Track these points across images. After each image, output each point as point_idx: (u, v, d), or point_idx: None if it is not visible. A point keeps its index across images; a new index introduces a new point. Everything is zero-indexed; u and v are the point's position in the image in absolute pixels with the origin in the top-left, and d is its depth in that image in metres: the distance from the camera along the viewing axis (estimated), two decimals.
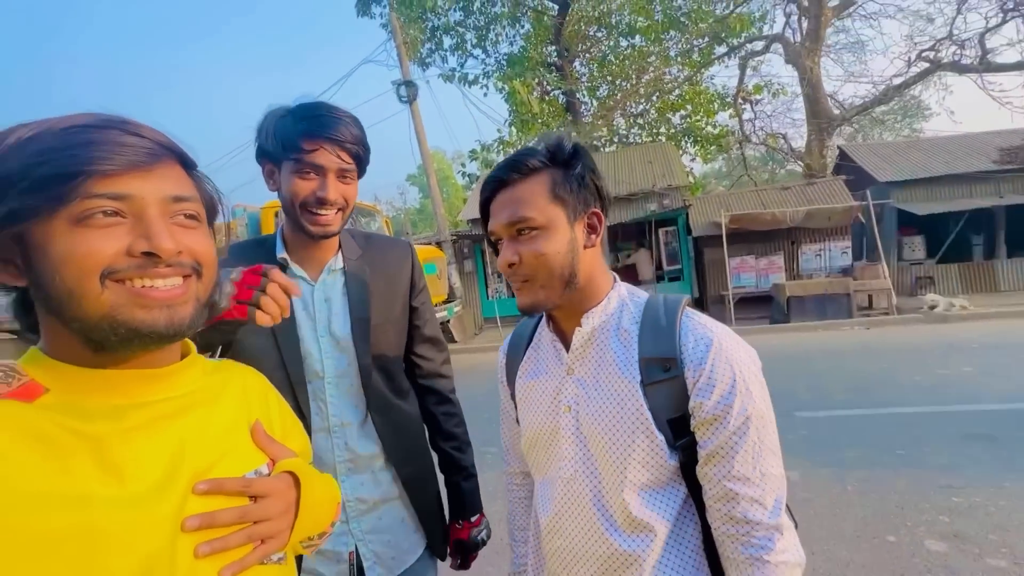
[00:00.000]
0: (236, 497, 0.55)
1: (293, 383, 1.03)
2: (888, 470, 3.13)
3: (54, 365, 0.50)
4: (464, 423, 1.28)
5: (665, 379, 0.73)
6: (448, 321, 8.70)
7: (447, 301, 8.55)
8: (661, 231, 11.38)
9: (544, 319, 0.91)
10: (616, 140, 18.42)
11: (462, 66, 18.22)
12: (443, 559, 1.22)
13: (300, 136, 0.96)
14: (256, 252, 1.07)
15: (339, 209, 1.02)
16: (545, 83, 17.74)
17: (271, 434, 0.65)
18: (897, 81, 14.18)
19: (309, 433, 1.02)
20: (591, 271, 0.81)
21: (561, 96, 18.29)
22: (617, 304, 0.83)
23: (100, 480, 0.46)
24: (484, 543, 1.24)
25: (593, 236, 0.81)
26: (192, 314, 0.53)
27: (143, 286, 0.49)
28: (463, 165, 18.57)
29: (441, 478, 1.24)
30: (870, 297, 9.17)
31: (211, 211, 0.59)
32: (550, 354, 0.87)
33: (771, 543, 0.70)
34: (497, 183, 0.79)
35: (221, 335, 0.87)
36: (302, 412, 1.02)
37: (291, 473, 0.62)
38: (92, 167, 0.46)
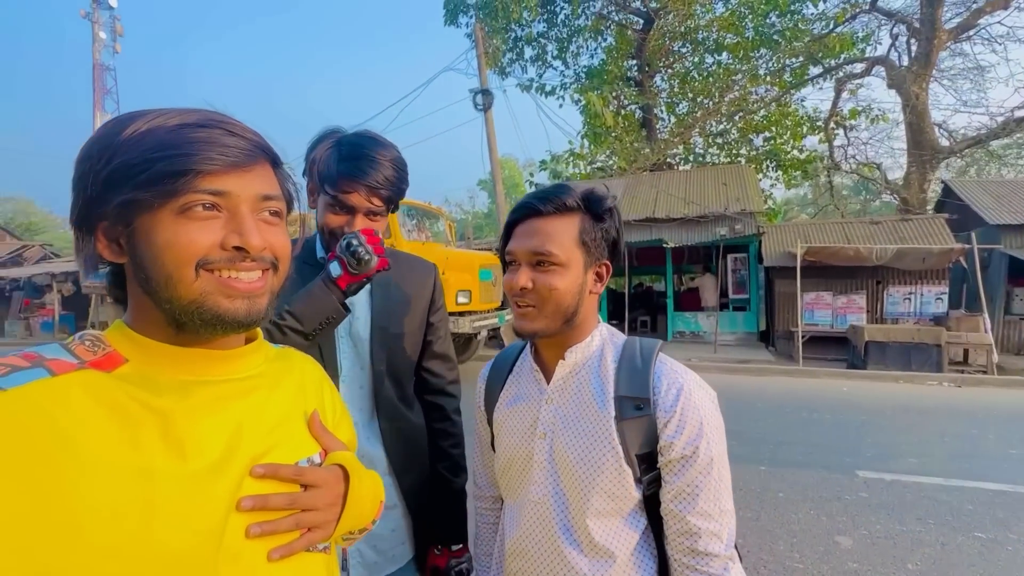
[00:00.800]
0: (288, 484, 0.58)
1: None
2: (961, 554, 2.76)
3: (135, 338, 0.54)
4: (462, 445, 1.28)
5: (637, 416, 0.80)
6: (499, 328, 8.75)
7: (500, 308, 8.60)
8: (730, 257, 10.82)
9: (528, 349, 0.96)
10: (691, 159, 17.81)
11: (540, 76, 18.41)
12: None
13: (339, 177, 1.05)
14: (305, 255, 1.18)
15: (381, 244, 1.09)
16: (622, 97, 17.52)
17: (326, 419, 0.68)
18: (1020, 113, 12.66)
19: None
20: (587, 313, 0.88)
21: (638, 111, 17.98)
22: (599, 343, 0.89)
23: (164, 454, 0.49)
24: None
25: (599, 284, 0.88)
26: (267, 305, 0.57)
27: (229, 277, 0.53)
28: (531, 175, 18.72)
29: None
30: (966, 351, 8.21)
31: (290, 206, 0.63)
32: (530, 383, 0.93)
33: (727, 572, 0.78)
34: (530, 210, 0.85)
35: (359, 286, 1.04)
36: None
37: (341, 467, 0.64)
38: (200, 166, 0.50)
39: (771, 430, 4.94)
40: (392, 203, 1.12)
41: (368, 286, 1.16)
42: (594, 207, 0.84)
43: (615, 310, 11.72)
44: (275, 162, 0.59)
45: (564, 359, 0.87)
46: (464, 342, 8.31)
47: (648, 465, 0.80)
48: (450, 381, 1.28)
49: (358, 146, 1.07)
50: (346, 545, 0.71)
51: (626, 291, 11.30)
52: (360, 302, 1.16)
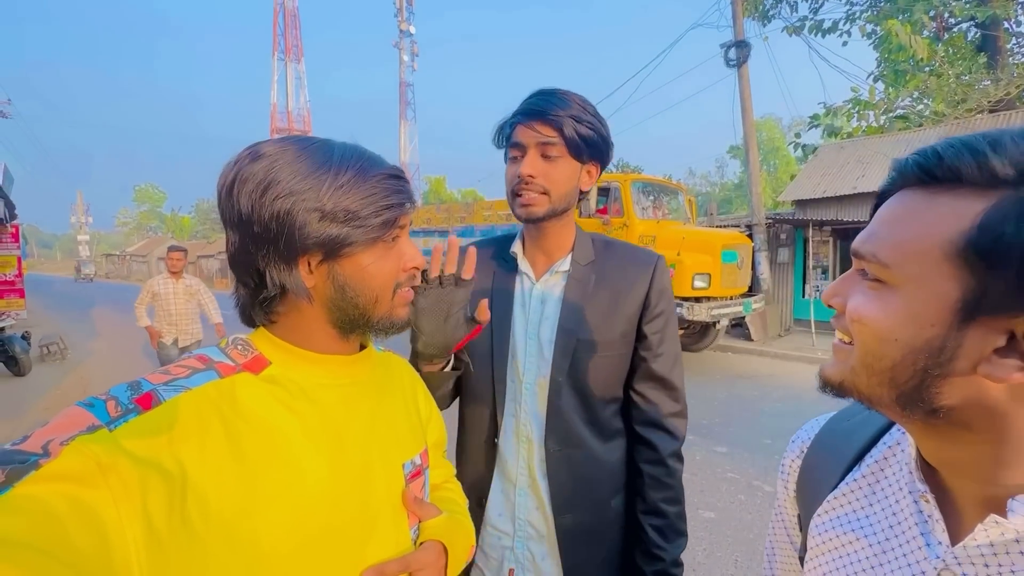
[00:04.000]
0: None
1: (495, 379, 1.00)
2: None
3: (280, 344, 0.61)
4: (681, 500, 0.99)
5: None
6: (744, 317, 7.67)
7: (747, 294, 7.51)
8: None
9: (908, 438, 0.49)
10: None
11: (815, 12, 15.10)
12: None
13: (509, 122, 0.96)
14: (493, 246, 1.10)
15: (542, 192, 0.93)
16: (946, 15, 12.98)
17: (418, 420, 0.75)
18: None
19: (497, 433, 1.00)
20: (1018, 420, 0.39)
21: (972, 30, 13.12)
22: None
23: (304, 448, 0.57)
24: None
25: (1012, 369, 0.37)
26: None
27: (406, 292, 0.65)
28: (797, 135, 15.68)
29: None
30: None
31: None
32: (904, 513, 0.48)
33: None
34: (922, 169, 0.40)
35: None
36: (496, 410, 1.00)
37: (441, 543, 0.68)
38: (401, 211, 0.62)
39: None
40: (573, 142, 0.91)
41: (563, 280, 0.99)
42: None
43: None
44: None
45: (1005, 517, 0.39)
46: (700, 331, 7.58)
47: None
48: (669, 414, 0.99)
49: (529, 94, 0.96)
50: None
51: None
52: (551, 298, 0.99)
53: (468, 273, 0.87)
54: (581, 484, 0.97)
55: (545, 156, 0.92)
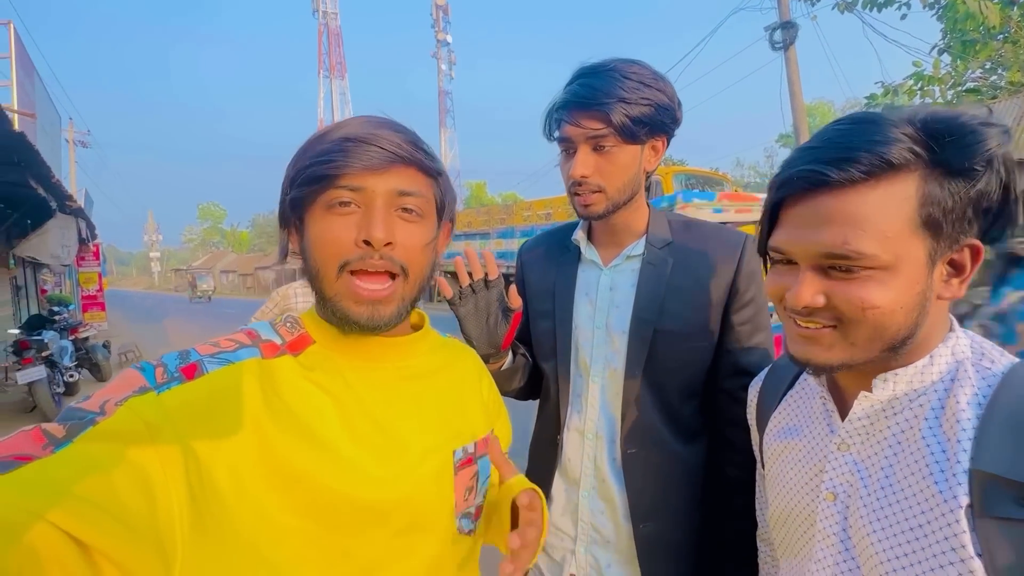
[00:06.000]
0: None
1: (559, 373, 0.97)
2: None
3: (321, 323, 0.62)
4: None
5: (1021, 520, 0.45)
6: None
7: None
8: None
9: None
10: None
11: None
12: None
13: (555, 114, 0.89)
14: (555, 236, 1.07)
15: (597, 191, 0.87)
16: None
17: (482, 411, 0.72)
18: None
19: (561, 430, 0.97)
20: (932, 328, 0.54)
21: None
22: (946, 368, 0.54)
23: (341, 433, 0.56)
24: None
25: (955, 281, 0.53)
26: (394, 312, 0.59)
27: (358, 283, 0.57)
28: None
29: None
30: None
31: (440, 210, 0.64)
32: (815, 413, 0.65)
33: None
34: (811, 181, 0.52)
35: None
36: (560, 406, 0.97)
37: (537, 491, 0.68)
38: (341, 170, 0.56)
39: None
40: (629, 130, 0.83)
41: (636, 265, 0.92)
42: (953, 153, 0.48)
43: None
44: (424, 169, 0.60)
45: (871, 390, 0.55)
46: None
47: None
48: None
49: (572, 78, 0.88)
50: None
51: None
52: (623, 285, 0.93)
53: (493, 273, 0.88)
54: (662, 490, 0.90)
55: (598, 148, 0.85)
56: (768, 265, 0.61)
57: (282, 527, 0.50)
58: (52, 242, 7.28)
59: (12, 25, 7.88)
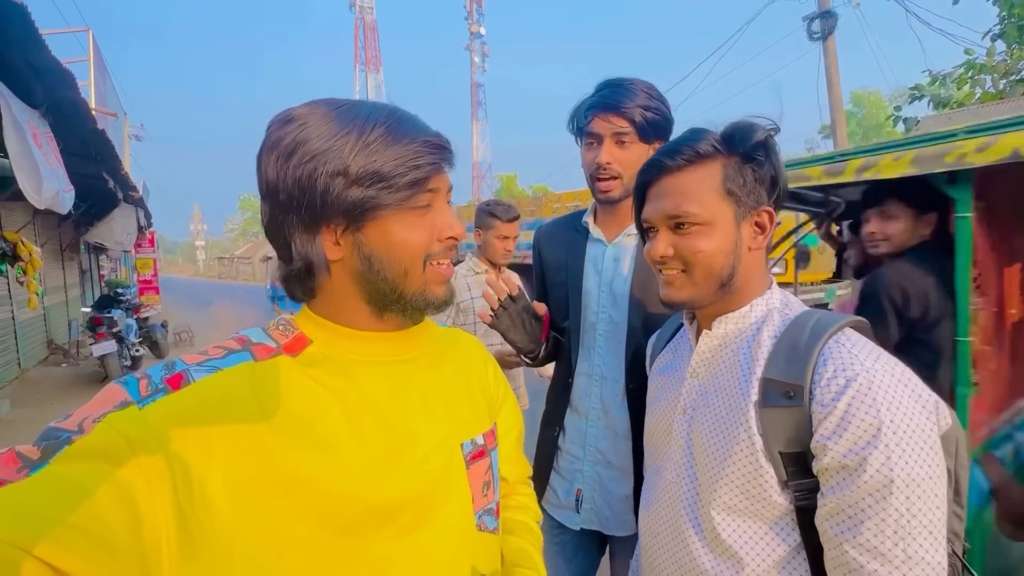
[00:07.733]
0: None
1: (571, 329, 1.22)
2: None
3: (321, 323, 0.59)
4: None
5: (785, 406, 0.67)
6: (828, 304, 7.24)
7: (832, 279, 7.09)
8: None
9: (685, 315, 0.88)
10: None
11: None
12: None
13: (585, 112, 1.12)
14: (565, 221, 1.32)
15: (614, 177, 1.11)
16: None
17: (487, 399, 0.72)
18: None
19: (572, 374, 1.21)
20: (750, 274, 0.77)
21: None
22: (760, 314, 0.77)
23: (345, 431, 0.54)
24: None
25: (760, 237, 0.76)
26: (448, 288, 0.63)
27: (440, 267, 0.60)
28: (897, 109, 14.19)
29: None
30: None
31: None
32: (684, 353, 0.86)
33: None
34: (658, 168, 0.77)
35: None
36: (571, 354, 1.22)
37: None
38: (432, 172, 0.57)
39: None
40: (643, 128, 1.08)
41: (636, 240, 1.14)
42: (739, 146, 0.73)
43: None
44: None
45: (711, 329, 0.78)
46: None
47: (799, 468, 0.67)
48: None
49: (602, 84, 1.12)
50: None
51: None
52: (624, 257, 1.15)
53: (513, 290, 1.17)
54: None
55: (620, 143, 1.09)
56: (644, 238, 0.83)
57: (286, 535, 0.48)
58: (117, 229, 7.93)
59: (91, 32, 8.63)
